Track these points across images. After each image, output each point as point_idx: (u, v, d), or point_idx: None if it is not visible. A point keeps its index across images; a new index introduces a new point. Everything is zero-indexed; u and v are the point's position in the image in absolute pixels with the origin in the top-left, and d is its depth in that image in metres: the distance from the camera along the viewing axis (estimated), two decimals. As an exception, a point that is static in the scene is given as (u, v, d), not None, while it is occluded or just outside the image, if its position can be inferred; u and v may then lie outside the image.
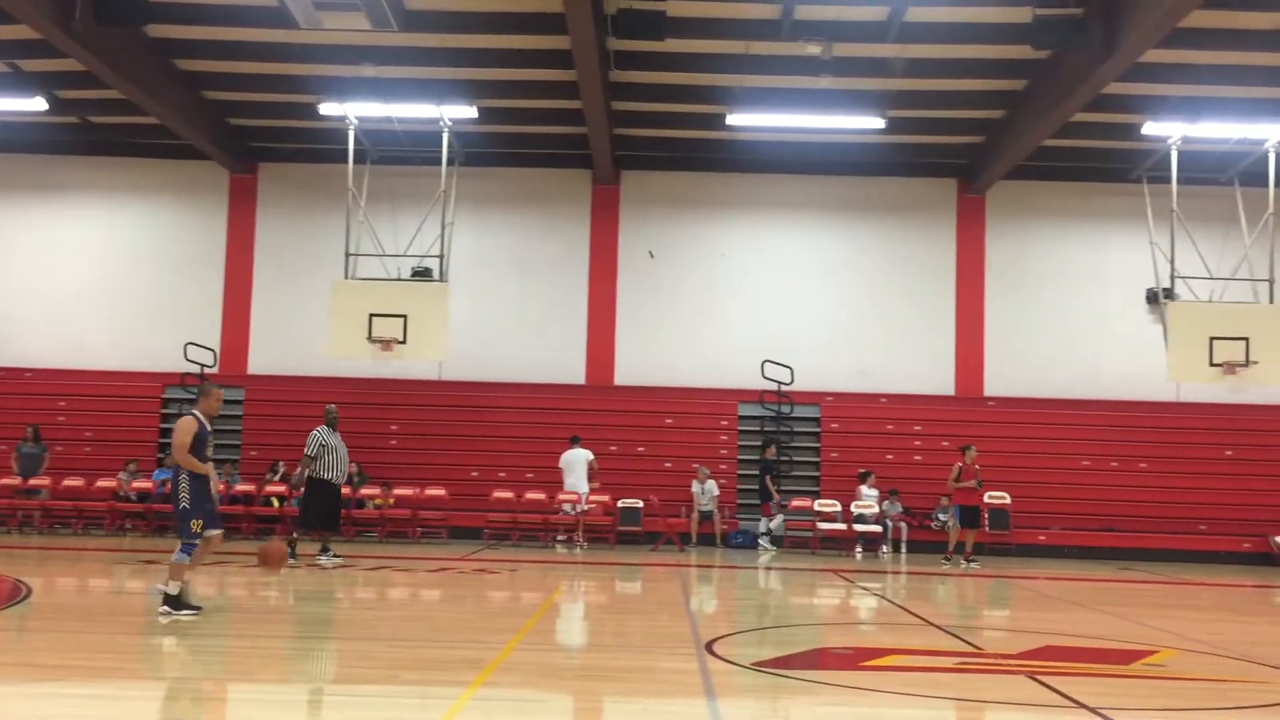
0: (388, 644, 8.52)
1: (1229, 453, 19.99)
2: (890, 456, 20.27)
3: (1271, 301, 17.39)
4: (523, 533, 19.12)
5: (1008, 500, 19.52)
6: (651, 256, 21.39)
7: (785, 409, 20.57)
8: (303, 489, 14.66)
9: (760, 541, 19.16)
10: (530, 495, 19.36)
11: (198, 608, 9.08)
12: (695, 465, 19.82)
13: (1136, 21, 13.64)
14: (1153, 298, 20.12)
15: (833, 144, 20.36)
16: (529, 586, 13.25)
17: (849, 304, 21.28)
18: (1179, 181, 17.69)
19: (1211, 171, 18.85)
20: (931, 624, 10.36)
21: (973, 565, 17.01)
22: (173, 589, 8.95)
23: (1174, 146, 17.59)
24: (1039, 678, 7.47)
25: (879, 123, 18.22)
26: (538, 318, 21.34)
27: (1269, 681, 7.76)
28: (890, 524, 19.26)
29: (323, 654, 8.36)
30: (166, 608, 8.91)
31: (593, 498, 19.18)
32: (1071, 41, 14.86)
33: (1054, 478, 19.38)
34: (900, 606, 12.33)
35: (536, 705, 6.56)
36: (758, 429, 20.74)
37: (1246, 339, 16.83)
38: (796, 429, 20.67)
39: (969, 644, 9.20)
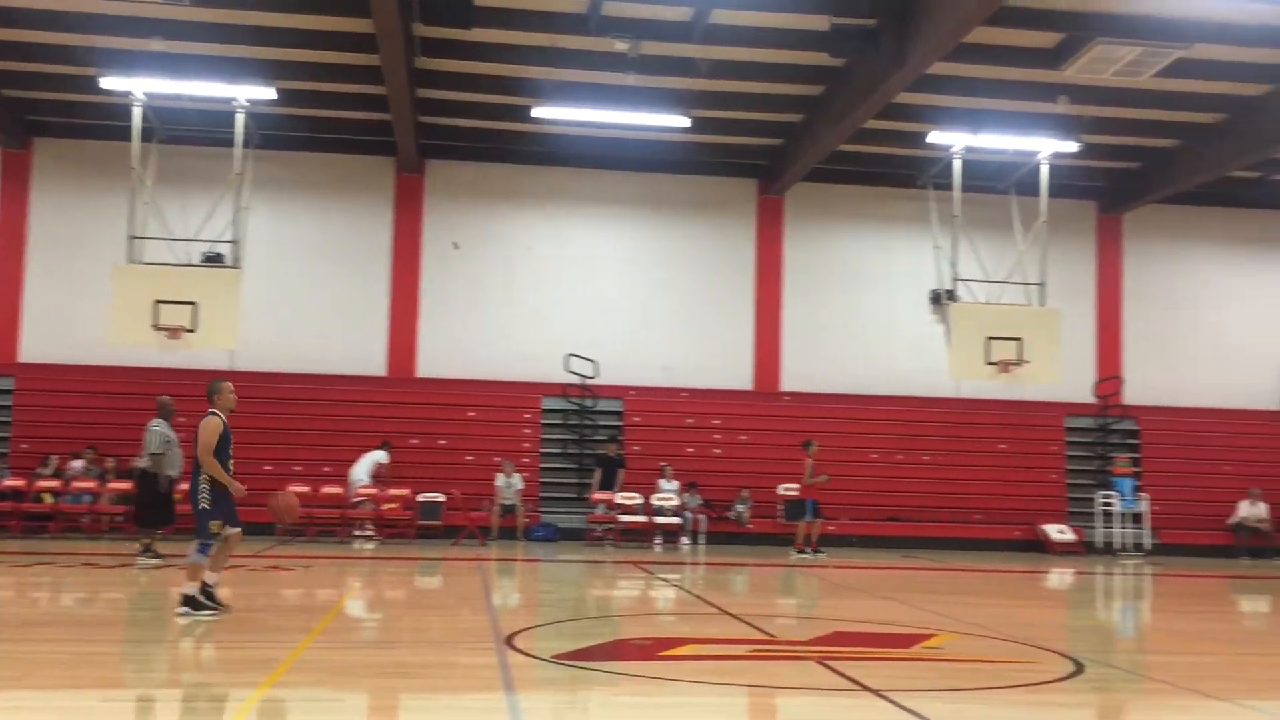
0: (169, 645, 8.15)
1: (1003, 446, 21.22)
2: (690, 450, 20.66)
3: (1043, 304, 18.55)
4: (319, 528, 18.61)
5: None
6: (456, 248, 21.16)
7: (589, 403, 20.71)
8: (139, 487, 13.97)
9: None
10: (327, 490, 18.85)
11: (222, 606, 9.09)
12: (499, 459, 19.71)
13: (925, 35, 14.31)
14: (936, 299, 21.13)
15: (639, 141, 20.59)
16: (324, 583, 12.91)
17: (653, 299, 21.58)
18: (961, 189, 18.68)
19: (990, 180, 19.97)
20: (728, 613, 10.62)
21: (820, 555, 17.65)
22: (190, 589, 8.97)
23: (957, 155, 18.56)
24: (828, 662, 7.75)
25: (684, 122, 18.53)
26: (338, 307, 20.81)
27: (1036, 661, 8.28)
28: (690, 516, 19.63)
29: (104, 657, 7.92)
30: (186, 608, 8.92)
31: (392, 491, 18.84)
32: (865, 51, 15.48)
33: (844, 470, 20.10)
34: (698, 597, 12.60)
35: (330, 705, 6.39)
36: (561, 422, 20.80)
37: (1020, 339, 17.91)
38: (600, 422, 20.83)
39: (763, 632, 9.47)
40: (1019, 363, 17.87)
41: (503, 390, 20.74)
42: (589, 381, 20.63)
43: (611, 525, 19.38)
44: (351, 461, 18.91)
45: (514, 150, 21.11)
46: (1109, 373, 22.06)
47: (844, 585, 14.14)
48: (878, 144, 20.15)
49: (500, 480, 19.50)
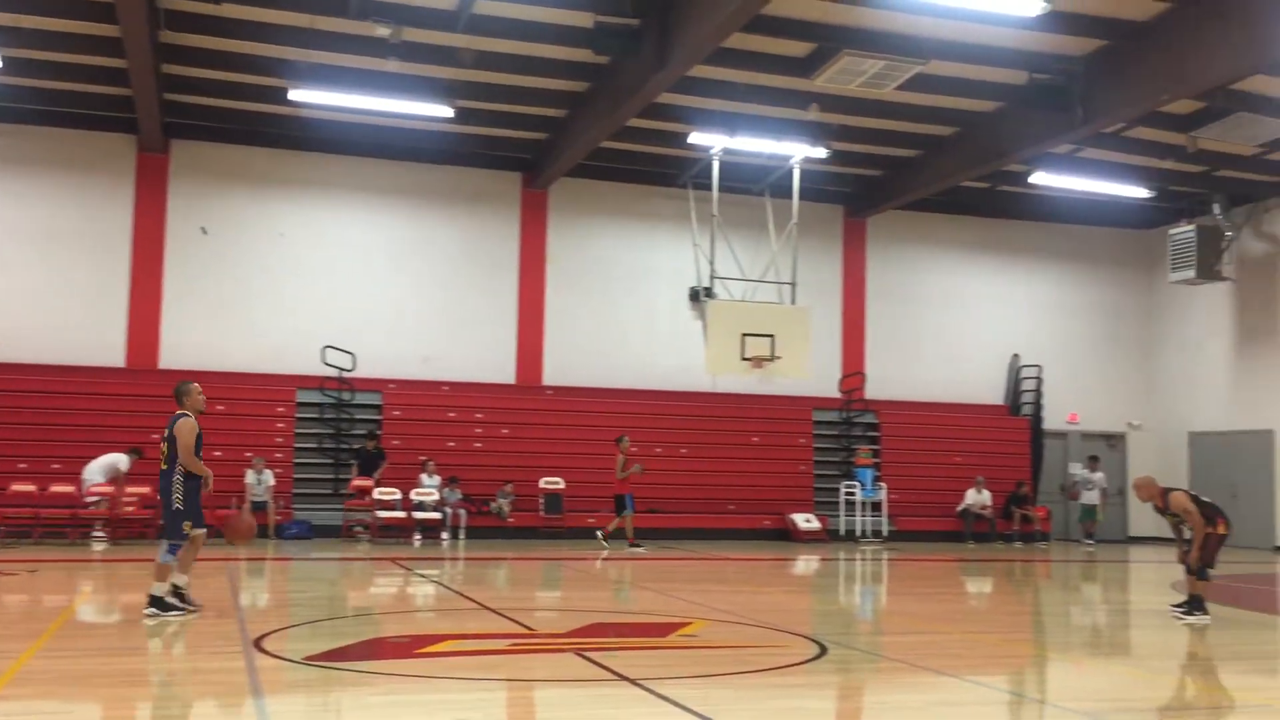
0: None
1: (755, 439, 22.00)
2: (452, 444, 20.44)
3: (794, 303, 19.34)
4: (45, 529, 17.35)
5: (562, 485, 20.34)
6: (204, 233, 20.15)
7: (346, 396, 20.16)
8: None
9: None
10: (56, 488, 17.59)
11: (194, 606, 9.19)
12: (249, 455, 18.92)
13: (685, 38, 14.64)
14: (695, 296, 21.75)
15: (401, 129, 20.17)
16: (53, 588, 12.05)
17: (414, 291, 21.21)
18: (719, 189, 19.24)
19: (747, 182, 20.65)
20: (487, 608, 10.57)
21: (638, 549, 17.79)
22: (159, 590, 9.03)
23: (715, 157, 19.10)
24: (585, 654, 7.83)
25: (447, 112, 18.30)
26: (73, 294, 19.45)
27: (784, 645, 8.63)
28: (450, 511, 19.42)
29: None
30: (153, 609, 8.96)
31: (130, 490, 17.77)
32: (628, 50, 15.70)
33: (605, 463, 20.36)
34: (457, 592, 12.48)
35: (59, 718, 5.96)
36: (317, 416, 20.16)
37: (772, 336, 18.61)
38: (358, 416, 20.31)
39: (522, 626, 9.47)
40: (771, 358, 18.56)
41: (254, 383, 19.91)
42: (346, 374, 20.09)
43: (366, 523, 18.94)
44: (87, 459, 17.68)
45: (269, 133, 20.29)
46: (853, 369, 23.23)
47: (604, 577, 14.32)
48: (641, 142, 20.49)
49: (250, 477, 18.71)
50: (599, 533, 18.67)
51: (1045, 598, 14.27)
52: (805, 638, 9.00)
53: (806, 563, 17.71)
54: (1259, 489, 22.57)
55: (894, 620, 11.50)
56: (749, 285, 19.39)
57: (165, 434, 9.40)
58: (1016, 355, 24.40)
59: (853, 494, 21.85)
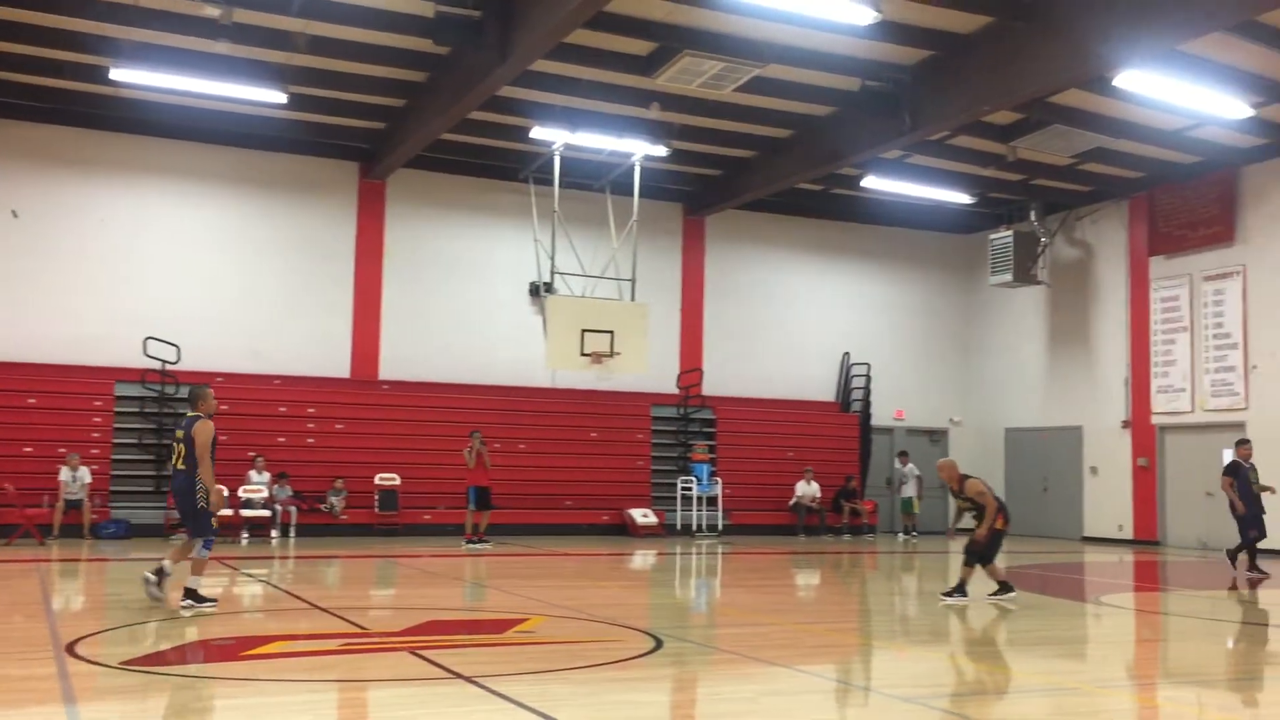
0: None
1: (594, 435, 22.08)
2: (282, 439, 19.86)
3: (633, 299, 19.48)
4: None
5: (398, 481, 20.01)
6: (15, 216, 19.06)
7: (170, 389, 19.36)
8: None
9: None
10: None
11: (214, 600, 9.74)
12: (63, 450, 17.99)
13: (527, 31, 14.58)
14: (535, 291, 21.69)
15: (232, 114, 19.46)
16: None
17: (244, 281, 20.53)
18: (561, 185, 19.23)
19: (588, 178, 20.70)
20: (318, 607, 10.31)
21: (485, 545, 17.41)
22: (194, 583, 9.55)
23: (557, 152, 19.09)
24: (420, 652, 7.73)
25: (280, 97, 17.76)
26: None
27: (620, 640, 8.69)
28: (279, 508, 18.88)
29: None
30: (189, 600, 9.47)
31: None
32: (469, 42, 15.52)
33: (442, 459, 20.13)
34: (287, 592, 12.14)
35: None
36: (138, 410, 19.32)
37: (612, 332, 18.72)
38: (182, 411, 19.49)
39: (355, 625, 9.29)
40: (611, 354, 18.66)
41: (70, 375, 18.95)
42: (170, 367, 19.29)
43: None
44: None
45: (89, 114, 19.31)
46: (691, 365, 23.55)
47: (440, 574, 14.15)
48: (482, 136, 20.30)
49: (65, 474, 17.81)
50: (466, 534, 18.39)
51: (870, 588, 14.75)
52: (641, 632, 9.08)
53: (643, 557, 17.87)
54: (1068, 482, 23.84)
55: (727, 613, 11.71)
56: (589, 281, 19.45)
57: (180, 436, 9.83)
58: (847, 353, 25.15)
59: (689, 489, 22.16)
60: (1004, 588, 11.46)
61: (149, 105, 19.06)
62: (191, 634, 8.97)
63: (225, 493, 9.84)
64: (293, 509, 19.08)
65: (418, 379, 21.33)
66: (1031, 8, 14.74)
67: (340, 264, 21.21)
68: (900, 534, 23.33)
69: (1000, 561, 11.96)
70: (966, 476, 11.45)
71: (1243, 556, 15.17)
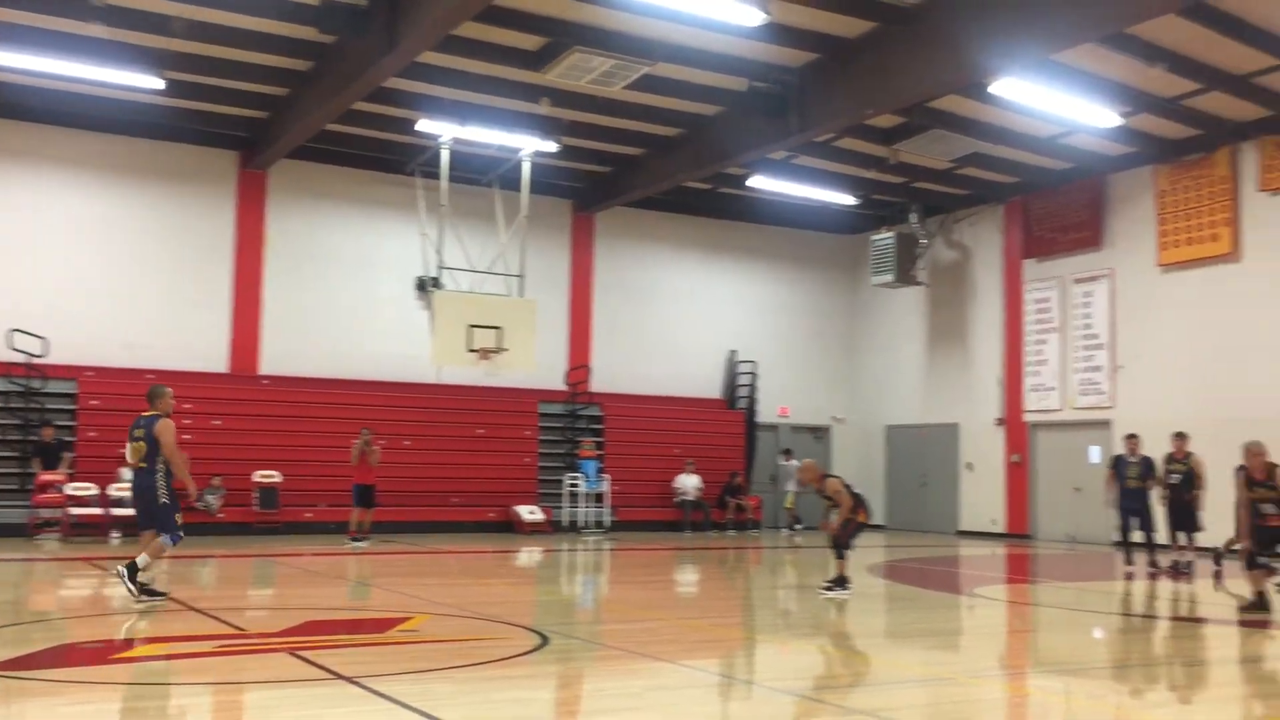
0: None
1: (481, 431, 21.91)
2: (156, 435, 19.23)
3: (522, 295, 19.39)
4: None
5: (278, 479, 19.57)
6: None
7: (36, 383, 18.62)
8: None
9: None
10: None
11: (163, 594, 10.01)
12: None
13: (415, 22, 14.37)
14: (422, 286, 21.41)
15: (105, 99, 18.74)
16: None
17: (117, 272, 19.82)
18: (449, 179, 19.03)
19: (477, 173, 20.52)
20: (193, 608, 10.03)
21: (364, 544, 17.04)
22: (146, 578, 9.79)
23: (445, 146, 18.89)
24: (300, 653, 7.58)
25: (158, 83, 17.19)
26: None
27: (506, 637, 8.65)
28: (154, 506, 18.28)
29: None
30: (143, 596, 9.71)
31: None
32: (355, 31, 15.24)
33: (324, 456, 19.76)
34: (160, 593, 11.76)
35: None
36: (1, 405, 18.52)
37: (500, 328, 18.60)
38: (49, 406, 18.80)
39: (231, 625, 9.06)
40: (498, 350, 18.55)
41: (-72, 368, 18.09)
42: (36, 360, 18.54)
43: (57, 520, 17.59)
44: None
45: (-51, 94, 18.46)
46: (579, 361, 23.54)
47: (322, 573, 13.89)
48: (367, 127, 19.96)
49: (-78, 471, 17.01)
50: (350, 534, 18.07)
51: (755, 583, 14.95)
52: (527, 629, 9.06)
53: (529, 554, 17.81)
54: (945, 478, 24.50)
55: (613, 609, 11.74)
56: (477, 276, 19.30)
57: (139, 435, 9.96)
58: (734, 351, 25.43)
59: (576, 486, 22.16)
60: (838, 581, 11.84)
61: (17, 88, 18.26)
62: (58, 637, 8.65)
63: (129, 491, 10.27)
64: (167, 507, 18.47)
65: (299, 374, 20.88)
66: (913, 15, 15.08)
67: (219, 256, 20.64)
68: (784, 529, 23.71)
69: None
70: (826, 475, 11.95)
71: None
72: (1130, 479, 15.50)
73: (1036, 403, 22.66)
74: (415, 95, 18.33)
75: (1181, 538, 15.32)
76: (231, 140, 20.62)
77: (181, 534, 9.97)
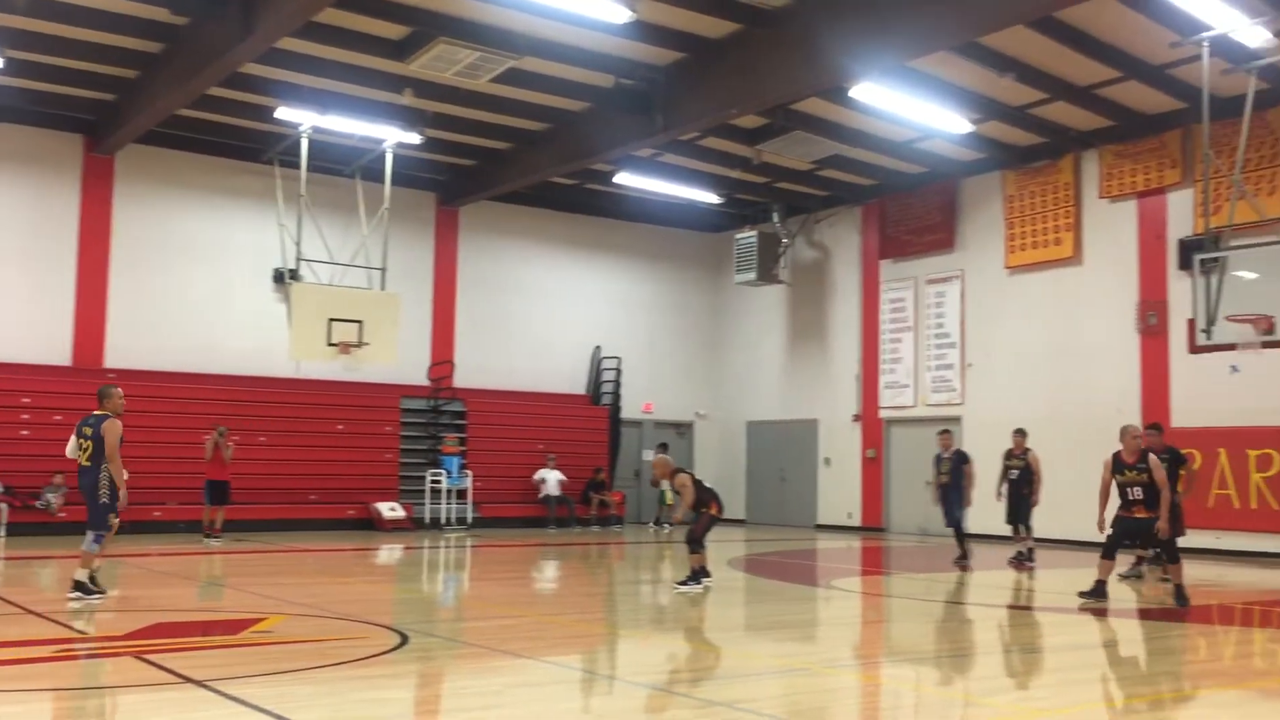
0: None
1: (340, 427, 21.48)
2: (-7, 431, 18.34)
3: (384, 289, 19.06)
4: None
5: (125, 475, 18.77)
6: None
7: None
8: None
9: None
10: None
11: (104, 591, 10.11)
12: None
13: (274, 7, 13.99)
14: (279, 278, 20.85)
15: (-64, 75, 17.78)
16: None
17: (-51, 259, 18.80)
18: (309, 169, 18.58)
19: (338, 163, 20.08)
20: (31, 612, 9.59)
21: (216, 542, 16.43)
22: (82, 575, 9.98)
23: (305, 134, 18.43)
24: (147, 657, 7.31)
25: (-5, 61, 16.37)
26: None
27: (365, 637, 8.50)
28: (-11, 505, 17.45)
29: None
30: (78, 593, 9.83)
31: None
32: (210, 14, 14.77)
33: (173, 452, 19.10)
34: (-4, 596, 11.22)
35: None
36: None
37: (361, 321, 18.24)
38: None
39: (74, 629, 8.69)
40: (359, 345, 18.20)
41: None
42: None
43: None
44: None
45: None
46: (442, 356, 23.28)
47: (171, 573, 13.43)
48: (223, 113, 19.35)
49: None
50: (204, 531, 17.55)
51: (617, 578, 15.02)
52: (386, 628, 8.92)
53: (390, 552, 17.54)
54: (804, 473, 25.02)
55: (475, 606, 11.65)
56: (337, 269, 18.87)
57: (89, 433, 10.25)
58: (598, 347, 25.48)
59: (439, 482, 21.91)
60: (700, 574, 12.03)
61: None
62: (-119, 645, 8.16)
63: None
64: (3, 506, 17.65)
65: (148, 368, 20.11)
66: (776, 18, 15.34)
67: (62, 243, 19.73)
68: (652, 524, 23.84)
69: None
70: (678, 471, 12.12)
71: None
72: (941, 474, 15.98)
73: (891, 399, 23.31)
74: (274, 82, 17.84)
75: (1021, 530, 15.66)
76: (77, 123, 19.74)
77: (106, 532, 10.21)
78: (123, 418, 10.71)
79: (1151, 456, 11.46)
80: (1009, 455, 15.81)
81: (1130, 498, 11.36)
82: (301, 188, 18.43)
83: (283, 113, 18.34)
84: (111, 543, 10.50)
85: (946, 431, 16.73)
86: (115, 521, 10.34)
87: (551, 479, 23.00)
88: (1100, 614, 10.87)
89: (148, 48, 16.95)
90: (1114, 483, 11.47)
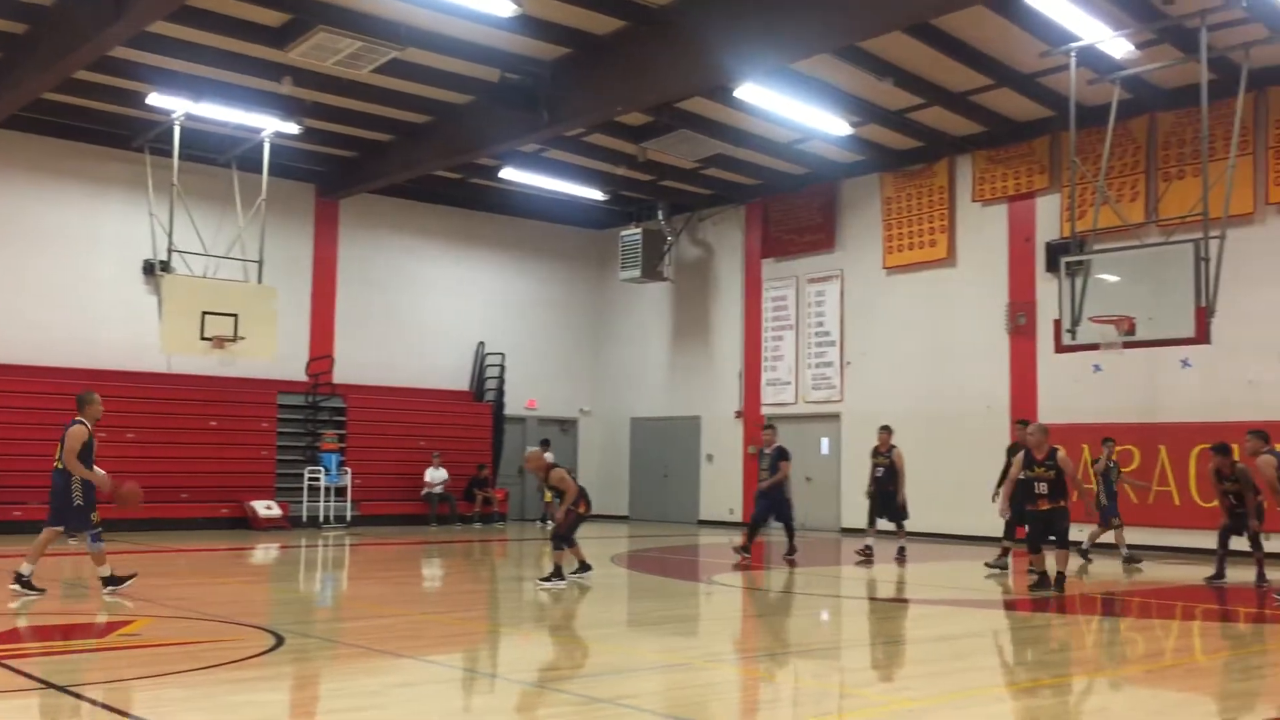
0: None
1: (214, 423, 20.90)
2: None
3: (260, 282, 18.62)
4: None
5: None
6: None
7: None
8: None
9: None
10: None
11: (128, 578, 10.74)
12: None
13: (147, -10, 13.55)
14: (150, 269, 20.18)
15: None
16: None
17: None
18: (181, 157, 18.04)
19: (213, 151, 19.53)
20: (-120, 618, 9.12)
21: (76, 543, 15.79)
22: (105, 572, 10.47)
23: (178, 122, 17.87)
24: (6, 662, 7.02)
25: None
26: None
27: (239, 638, 8.30)
28: None
29: None
30: (110, 587, 10.41)
31: None
32: (79, -6, 14.23)
33: (35, 449, 18.31)
34: None
35: None
36: None
37: (236, 315, 17.78)
38: None
39: (-75, 635, 8.29)
40: (234, 339, 17.74)
41: None
42: None
43: None
44: None
45: None
46: (321, 352, 22.82)
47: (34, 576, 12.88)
48: (92, 98, 18.64)
49: None
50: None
51: (499, 575, 14.95)
52: (261, 629, 8.73)
53: (265, 551, 17.15)
54: (688, 470, 25.23)
55: (353, 605, 11.47)
56: (212, 261, 18.36)
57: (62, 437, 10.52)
58: (482, 343, 25.29)
59: (317, 479, 21.49)
60: (583, 566, 12.32)
61: None
62: None
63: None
64: None
65: (6, 362, 19.29)
66: (661, 16, 15.42)
67: (-84, 230, 18.81)
68: (539, 521, 23.66)
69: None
70: (553, 466, 12.28)
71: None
72: (763, 470, 15.64)
73: (773, 396, 23.66)
74: (146, 67, 17.25)
75: (888, 525, 15.70)
76: (-69, 104, 18.82)
77: (100, 528, 10.59)
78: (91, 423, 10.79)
79: (1060, 453, 12.06)
80: (875, 452, 15.94)
81: (1038, 491, 11.97)
82: (174, 177, 17.88)
83: (155, 99, 17.76)
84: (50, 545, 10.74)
85: (770, 427, 16.38)
86: (94, 517, 10.64)
87: (439, 478, 22.78)
88: (1054, 602, 11.24)
89: (12, 28, 16.24)
90: (1021, 476, 12.16)
